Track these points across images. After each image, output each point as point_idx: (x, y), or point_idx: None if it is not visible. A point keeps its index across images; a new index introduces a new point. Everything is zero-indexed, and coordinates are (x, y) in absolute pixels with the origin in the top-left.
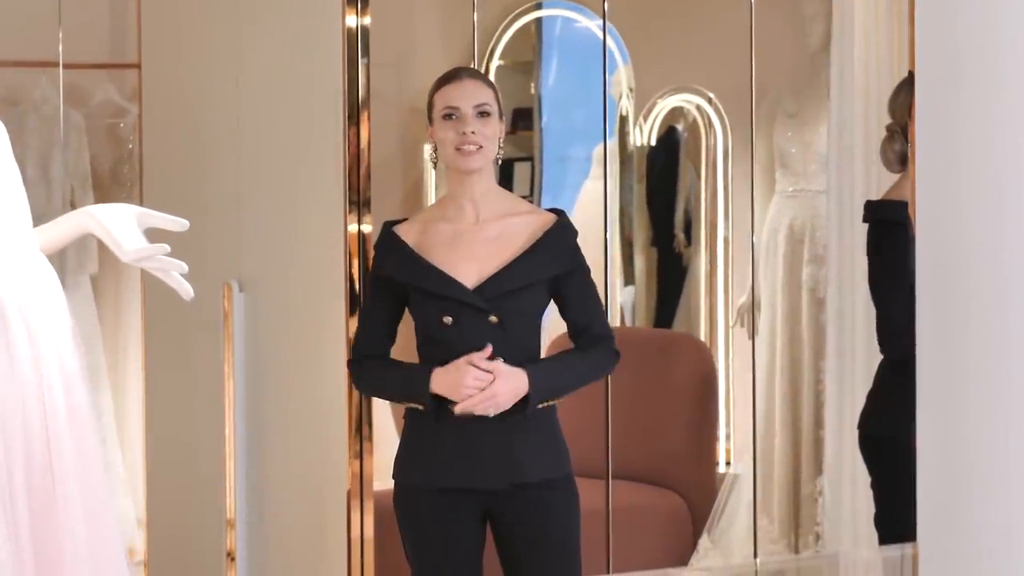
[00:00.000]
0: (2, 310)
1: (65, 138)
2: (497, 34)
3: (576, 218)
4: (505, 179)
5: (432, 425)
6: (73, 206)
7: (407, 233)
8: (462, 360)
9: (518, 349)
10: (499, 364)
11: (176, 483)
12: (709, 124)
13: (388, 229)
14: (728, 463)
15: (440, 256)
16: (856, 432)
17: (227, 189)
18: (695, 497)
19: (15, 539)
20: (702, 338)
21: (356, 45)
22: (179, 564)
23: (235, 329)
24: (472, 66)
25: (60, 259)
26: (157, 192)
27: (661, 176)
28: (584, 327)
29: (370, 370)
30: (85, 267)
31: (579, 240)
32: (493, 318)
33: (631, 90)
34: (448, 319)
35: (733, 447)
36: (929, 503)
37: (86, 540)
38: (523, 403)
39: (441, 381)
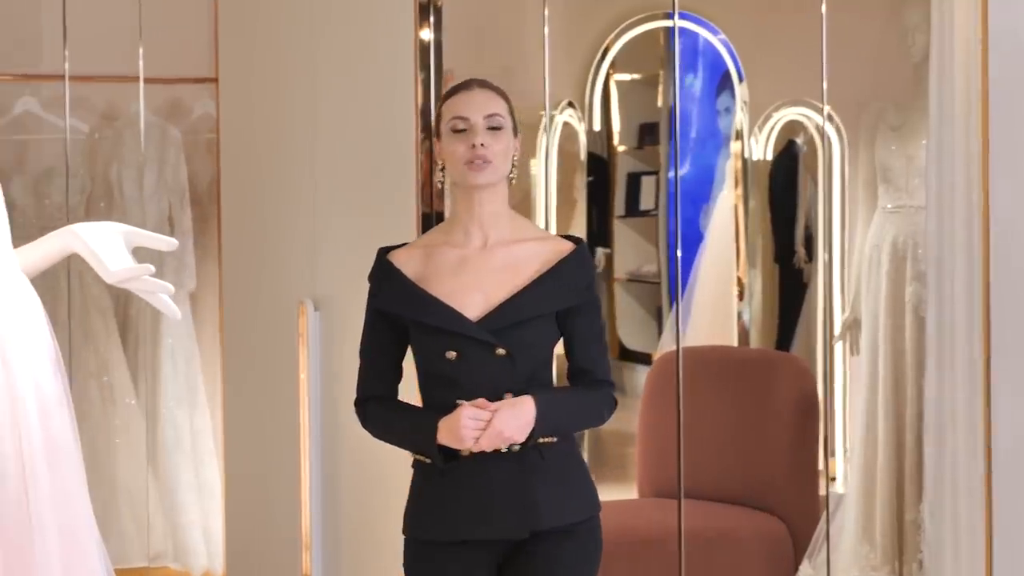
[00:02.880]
0: None
1: (163, 153)
2: (604, 46)
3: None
4: (632, 193)
5: (444, 474)
6: (171, 222)
7: (406, 261)
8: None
9: (530, 383)
10: (500, 403)
11: (253, 503)
12: (824, 137)
13: (383, 256)
14: (834, 478)
15: (443, 285)
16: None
17: (303, 207)
18: (796, 521)
19: None
20: (818, 356)
21: (428, 60)
22: None
23: (310, 347)
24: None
25: (159, 275)
26: (234, 210)
27: (781, 191)
28: (586, 369)
29: (376, 414)
30: (184, 284)
31: (712, 253)
32: (501, 351)
33: (745, 103)
34: (452, 354)
35: (839, 470)
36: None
37: (63, 573)
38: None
39: (444, 432)
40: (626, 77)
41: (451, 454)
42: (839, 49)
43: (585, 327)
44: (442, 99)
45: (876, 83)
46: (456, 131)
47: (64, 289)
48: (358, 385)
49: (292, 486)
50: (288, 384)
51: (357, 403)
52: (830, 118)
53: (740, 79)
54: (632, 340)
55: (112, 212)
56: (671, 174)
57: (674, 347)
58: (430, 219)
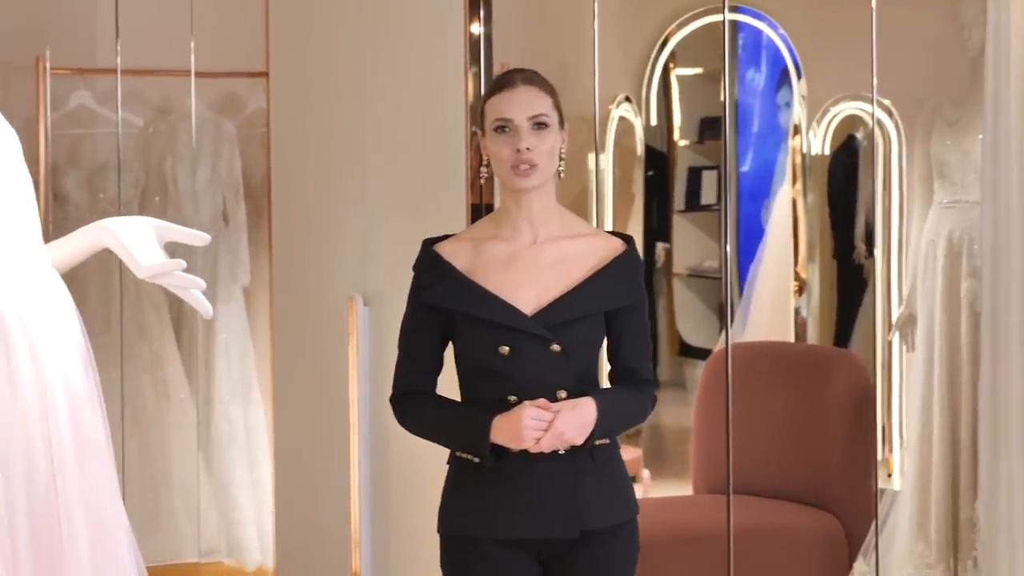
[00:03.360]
0: (4, 332)
1: (217, 147)
2: (662, 40)
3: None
4: (693, 188)
5: (488, 470)
6: (225, 217)
7: (454, 253)
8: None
9: (582, 382)
10: (562, 403)
11: (303, 499)
12: (884, 132)
13: (429, 248)
14: (890, 475)
15: (494, 279)
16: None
17: (353, 202)
18: (851, 518)
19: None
20: (877, 353)
21: (479, 54)
22: None
23: (359, 343)
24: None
25: (213, 270)
26: (285, 205)
27: (840, 186)
28: (632, 368)
29: (418, 410)
30: (237, 279)
31: (772, 249)
32: (556, 347)
33: (803, 98)
34: (505, 349)
35: (895, 467)
36: None
37: (92, 573)
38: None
39: (501, 429)
40: (688, 71)
41: (498, 452)
42: (896, 43)
43: (635, 326)
44: (485, 95)
45: (932, 78)
46: (499, 131)
47: (117, 284)
48: (396, 380)
49: (342, 482)
50: (338, 380)
51: (394, 398)
52: (889, 112)
53: (799, 73)
54: (693, 336)
55: (167, 206)
56: (739, 168)
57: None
58: (480, 212)
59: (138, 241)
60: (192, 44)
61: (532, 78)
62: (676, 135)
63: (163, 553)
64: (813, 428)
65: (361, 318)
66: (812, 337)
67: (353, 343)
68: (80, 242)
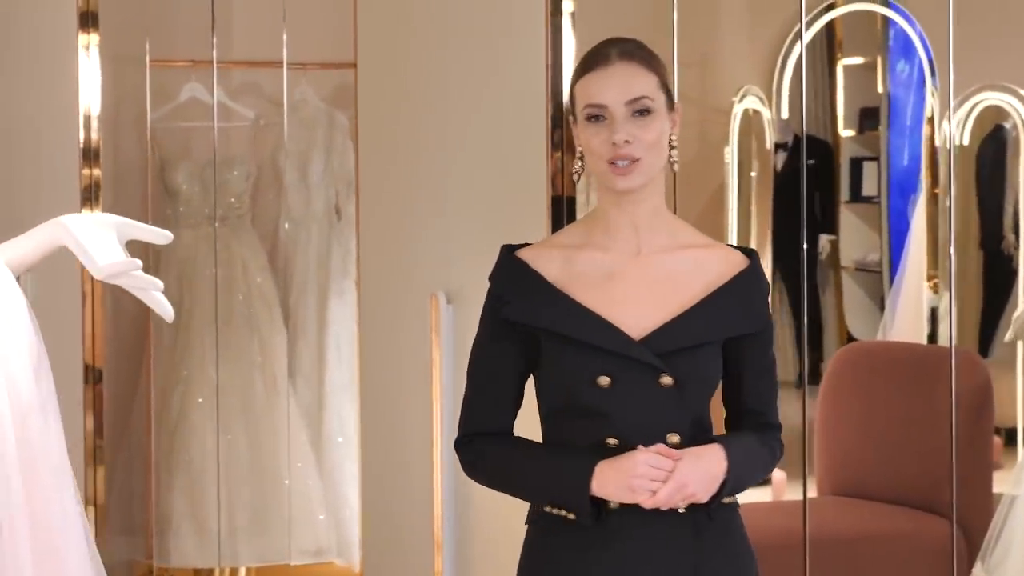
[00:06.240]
0: None
1: (330, 140)
2: (797, 30)
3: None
4: (854, 179)
5: (578, 532)
6: (337, 211)
7: (543, 262)
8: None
9: (698, 426)
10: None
11: (388, 498)
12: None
13: (509, 255)
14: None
15: (591, 295)
16: None
17: (438, 197)
18: (969, 524)
19: None
20: (1019, 350)
21: (560, 38)
22: None
23: (442, 341)
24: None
25: (325, 264)
26: (372, 201)
27: (984, 178)
28: (757, 411)
29: (491, 454)
30: (349, 272)
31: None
32: (667, 379)
33: (936, 88)
34: (605, 380)
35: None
36: None
37: None
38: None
39: (607, 478)
40: (852, 61)
41: (601, 513)
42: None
43: (758, 359)
44: (575, 73)
45: None
46: (592, 120)
47: (227, 279)
48: (463, 419)
49: (426, 484)
50: (422, 377)
51: (460, 442)
52: None
53: (930, 65)
54: (857, 331)
55: (280, 199)
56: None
57: (888, 337)
58: (560, 207)
59: (96, 240)
60: (284, 35)
61: (632, 51)
62: (840, 125)
63: (272, 553)
64: (929, 430)
65: (445, 315)
66: (954, 334)
67: (436, 340)
68: (36, 240)
